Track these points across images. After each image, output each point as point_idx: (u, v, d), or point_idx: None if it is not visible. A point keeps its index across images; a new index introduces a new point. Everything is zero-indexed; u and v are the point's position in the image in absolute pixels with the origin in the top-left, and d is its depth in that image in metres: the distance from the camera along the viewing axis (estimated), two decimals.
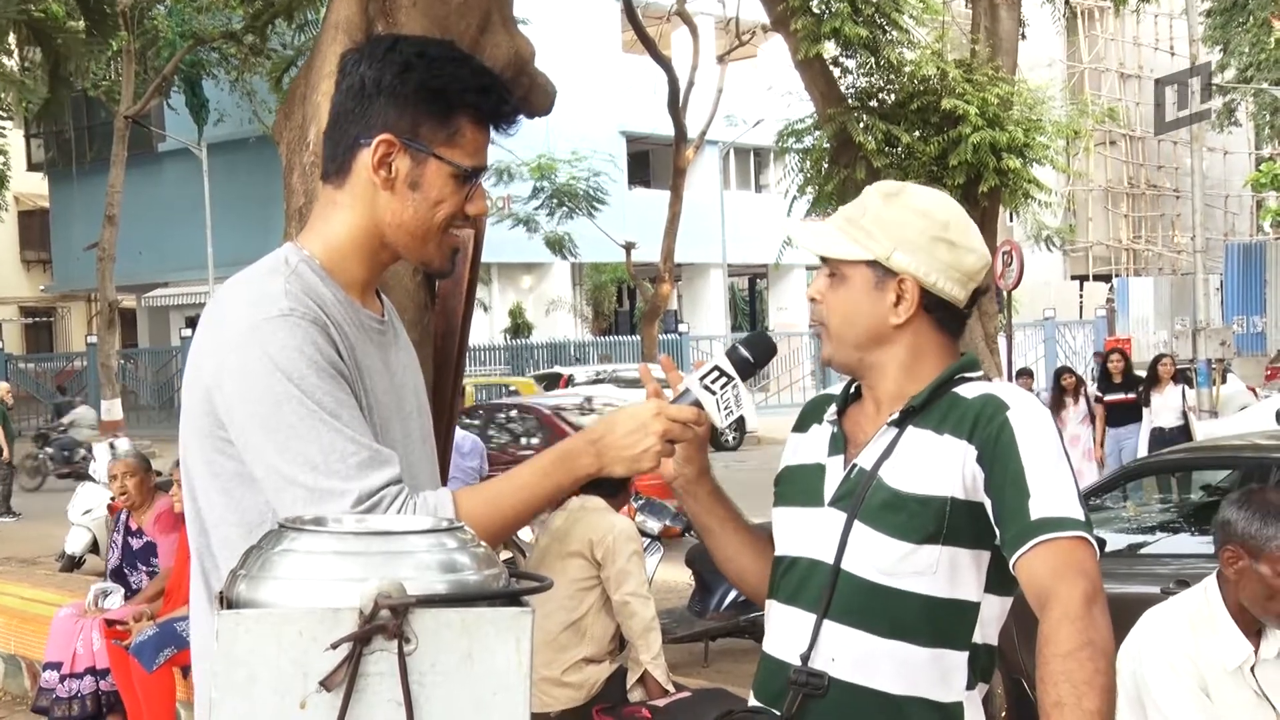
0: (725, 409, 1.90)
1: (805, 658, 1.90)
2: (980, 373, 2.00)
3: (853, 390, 2.06)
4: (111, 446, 20.22)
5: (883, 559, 1.86)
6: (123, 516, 6.80)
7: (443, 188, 1.82)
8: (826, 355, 2.03)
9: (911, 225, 1.95)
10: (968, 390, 1.92)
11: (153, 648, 5.80)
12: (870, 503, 1.88)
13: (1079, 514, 1.79)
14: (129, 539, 6.71)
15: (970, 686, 1.89)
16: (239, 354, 1.72)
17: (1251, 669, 3.04)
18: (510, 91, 1.89)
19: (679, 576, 9.12)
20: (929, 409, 1.91)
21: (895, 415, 1.93)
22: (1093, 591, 1.74)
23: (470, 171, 1.83)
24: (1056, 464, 1.82)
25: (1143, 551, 6.45)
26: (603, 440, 1.83)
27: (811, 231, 2.03)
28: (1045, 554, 1.76)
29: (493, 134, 1.89)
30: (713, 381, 1.90)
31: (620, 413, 1.86)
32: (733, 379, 1.91)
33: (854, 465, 1.94)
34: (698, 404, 1.89)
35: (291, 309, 1.73)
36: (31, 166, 38.05)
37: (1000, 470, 1.82)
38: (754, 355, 1.95)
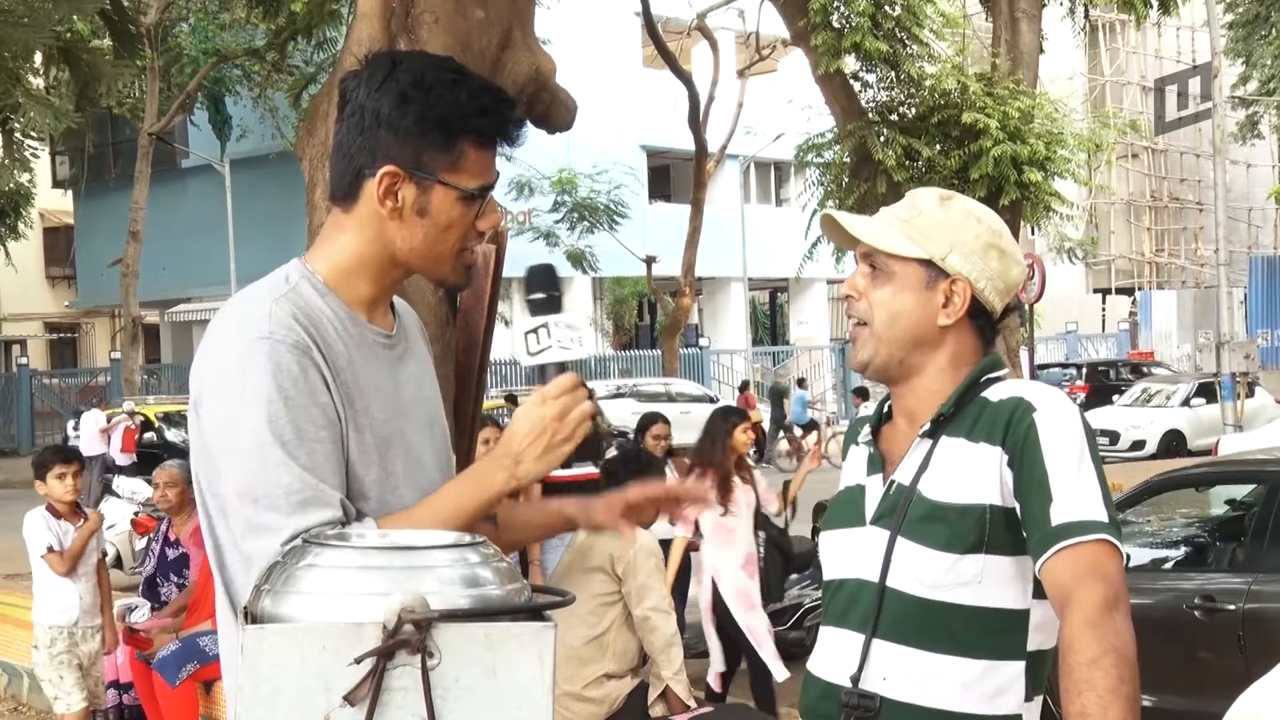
0: (572, 345, 1.90)
1: (855, 679, 1.87)
2: (1005, 370, 1.99)
3: (885, 409, 2.04)
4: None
5: (927, 573, 1.84)
6: (163, 526, 6.81)
7: (450, 211, 1.81)
8: (864, 358, 1.98)
9: (968, 229, 1.95)
10: (995, 393, 1.91)
11: (175, 662, 5.82)
12: (911, 517, 1.86)
13: (1102, 516, 1.76)
14: (166, 549, 6.71)
15: (1029, 699, 1.85)
16: (217, 376, 1.73)
17: None
18: (512, 106, 1.87)
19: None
20: (959, 416, 1.90)
21: (926, 426, 1.91)
22: (1114, 596, 1.70)
23: (477, 192, 1.82)
24: (1080, 465, 1.79)
25: (1166, 566, 6.41)
26: (511, 452, 1.80)
27: (864, 224, 1.99)
28: (1066, 559, 1.73)
29: (508, 148, 1.89)
30: (538, 342, 1.90)
31: (513, 422, 1.83)
32: (544, 323, 1.91)
33: (892, 482, 1.93)
34: (560, 367, 1.88)
35: (270, 332, 1.71)
36: (56, 183, 38.26)
37: (1026, 475, 1.80)
38: (542, 290, 1.94)
